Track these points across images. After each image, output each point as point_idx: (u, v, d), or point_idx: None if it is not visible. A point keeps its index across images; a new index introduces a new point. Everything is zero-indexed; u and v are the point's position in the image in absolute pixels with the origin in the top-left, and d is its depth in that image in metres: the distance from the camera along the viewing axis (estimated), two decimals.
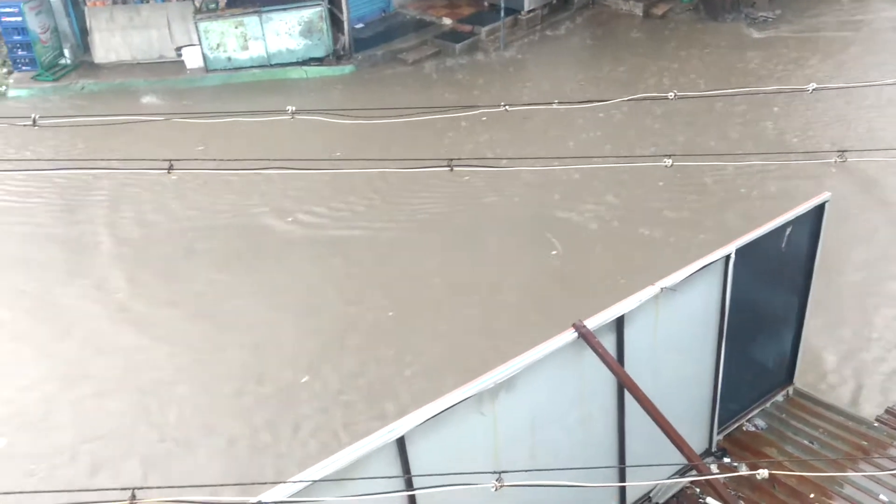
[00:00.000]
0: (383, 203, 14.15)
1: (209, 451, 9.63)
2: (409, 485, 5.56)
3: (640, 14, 21.81)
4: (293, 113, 5.65)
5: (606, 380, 6.27)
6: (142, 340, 11.46)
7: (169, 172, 4.43)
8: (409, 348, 10.99)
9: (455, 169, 4.77)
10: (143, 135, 14.07)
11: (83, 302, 12.27)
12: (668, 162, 5.55)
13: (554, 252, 12.73)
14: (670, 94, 6.01)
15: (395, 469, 5.44)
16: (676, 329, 6.68)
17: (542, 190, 14.00)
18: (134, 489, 3.75)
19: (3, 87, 18.91)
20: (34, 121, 5.49)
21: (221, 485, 4.66)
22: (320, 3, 19.11)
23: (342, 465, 5.06)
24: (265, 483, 4.66)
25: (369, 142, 13.15)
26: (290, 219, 13.90)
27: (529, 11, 21.12)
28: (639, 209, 13.54)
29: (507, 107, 5.91)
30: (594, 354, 5.97)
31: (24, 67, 19.24)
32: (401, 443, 5.48)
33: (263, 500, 4.30)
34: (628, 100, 6.36)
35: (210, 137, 14.22)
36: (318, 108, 6.18)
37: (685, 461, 5.96)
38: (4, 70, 19.61)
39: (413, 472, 5.47)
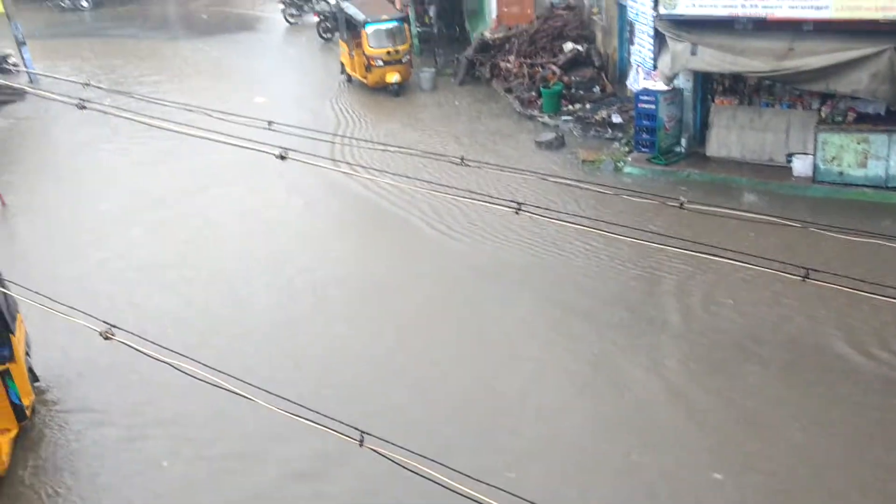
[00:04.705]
0: None
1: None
2: None
3: None
4: None
5: None
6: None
7: (804, 278, 4.41)
8: None
9: None
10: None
11: (641, 374, 13.10)
12: None
13: None
14: None
15: None
16: None
17: None
18: None
19: (622, 164, 21.19)
20: (681, 204, 6.00)
21: None
22: None
23: None
24: None
25: None
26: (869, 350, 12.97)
27: None
28: None
29: None
30: None
31: (643, 149, 21.27)
32: None
33: None
34: None
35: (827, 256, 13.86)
36: None
37: None
38: (626, 149, 21.97)
39: None
